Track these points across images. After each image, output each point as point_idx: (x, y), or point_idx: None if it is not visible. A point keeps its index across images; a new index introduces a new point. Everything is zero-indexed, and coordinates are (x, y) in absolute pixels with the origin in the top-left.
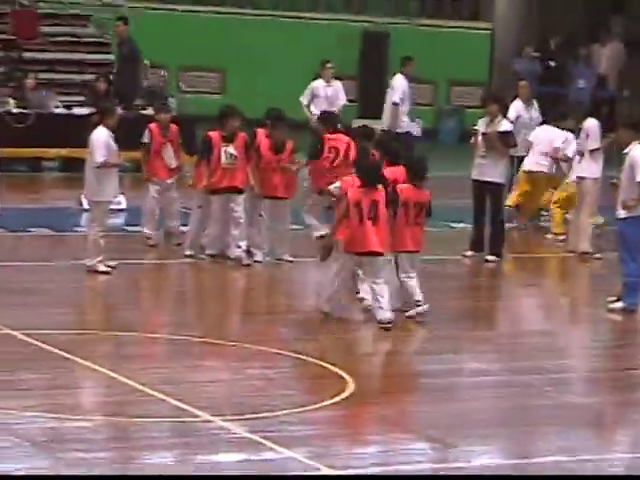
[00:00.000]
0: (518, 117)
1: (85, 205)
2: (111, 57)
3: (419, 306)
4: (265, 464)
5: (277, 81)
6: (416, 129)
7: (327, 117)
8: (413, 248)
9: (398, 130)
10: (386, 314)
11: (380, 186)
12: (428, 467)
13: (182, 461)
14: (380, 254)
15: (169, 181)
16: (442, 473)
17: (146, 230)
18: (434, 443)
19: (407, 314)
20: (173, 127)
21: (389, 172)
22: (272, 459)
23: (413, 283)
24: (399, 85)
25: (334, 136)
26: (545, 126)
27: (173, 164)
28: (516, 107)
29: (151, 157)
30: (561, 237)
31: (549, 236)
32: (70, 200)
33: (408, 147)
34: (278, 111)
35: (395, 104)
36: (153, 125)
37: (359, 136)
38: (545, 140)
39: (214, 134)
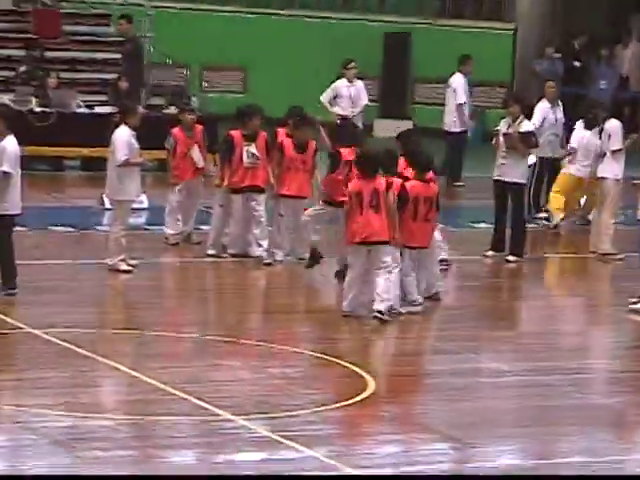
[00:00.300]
0: (544, 119)
1: (107, 204)
2: None
3: (415, 306)
4: (285, 463)
5: (299, 80)
6: (471, 127)
7: (342, 131)
8: (420, 244)
9: (460, 129)
10: (379, 305)
11: (379, 175)
12: (448, 467)
13: (202, 460)
14: (385, 242)
15: (195, 182)
16: (461, 473)
17: (168, 230)
18: (454, 443)
19: (398, 310)
20: (198, 127)
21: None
22: (292, 458)
23: (412, 280)
24: (459, 84)
25: (348, 150)
26: (581, 130)
27: (200, 164)
28: (542, 109)
29: (177, 161)
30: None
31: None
32: (92, 199)
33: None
34: (300, 110)
35: (460, 105)
36: (176, 130)
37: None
38: (585, 144)
39: (236, 133)
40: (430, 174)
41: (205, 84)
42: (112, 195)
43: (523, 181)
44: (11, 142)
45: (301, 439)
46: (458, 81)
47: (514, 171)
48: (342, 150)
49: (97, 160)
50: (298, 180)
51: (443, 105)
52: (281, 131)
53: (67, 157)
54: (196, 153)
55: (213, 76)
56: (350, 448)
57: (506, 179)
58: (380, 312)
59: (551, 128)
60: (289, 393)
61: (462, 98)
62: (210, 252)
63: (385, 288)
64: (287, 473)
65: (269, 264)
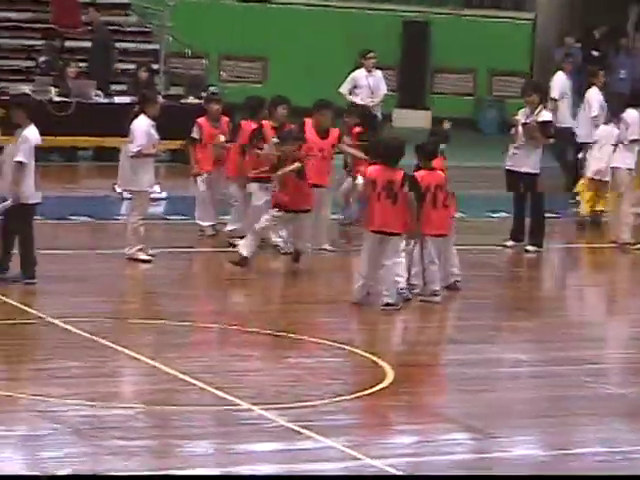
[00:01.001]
0: (600, 107)
1: (124, 194)
2: (153, 46)
3: (436, 296)
4: (303, 453)
5: (318, 70)
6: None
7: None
8: (441, 232)
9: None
10: (387, 299)
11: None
12: (465, 457)
13: (221, 450)
14: (397, 234)
15: (216, 173)
16: (480, 463)
17: (201, 222)
18: (472, 433)
19: (420, 298)
20: (224, 119)
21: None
22: (310, 448)
23: (435, 269)
24: (557, 81)
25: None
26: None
27: (224, 155)
28: (596, 97)
29: (198, 151)
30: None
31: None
32: (107, 189)
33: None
34: (325, 101)
35: (553, 99)
36: (201, 119)
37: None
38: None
39: (265, 124)
40: (437, 162)
41: (223, 74)
42: (125, 185)
43: (536, 171)
44: (32, 132)
45: (320, 429)
46: (557, 78)
47: (526, 161)
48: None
49: (109, 150)
50: (317, 168)
51: (461, 95)
52: (308, 121)
53: (79, 148)
54: (221, 143)
55: (232, 66)
56: (369, 438)
57: (518, 169)
58: (388, 304)
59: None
60: (308, 383)
61: (555, 93)
62: (233, 242)
63: (393, 280)
64: (306, 463)
65: (287, 253)
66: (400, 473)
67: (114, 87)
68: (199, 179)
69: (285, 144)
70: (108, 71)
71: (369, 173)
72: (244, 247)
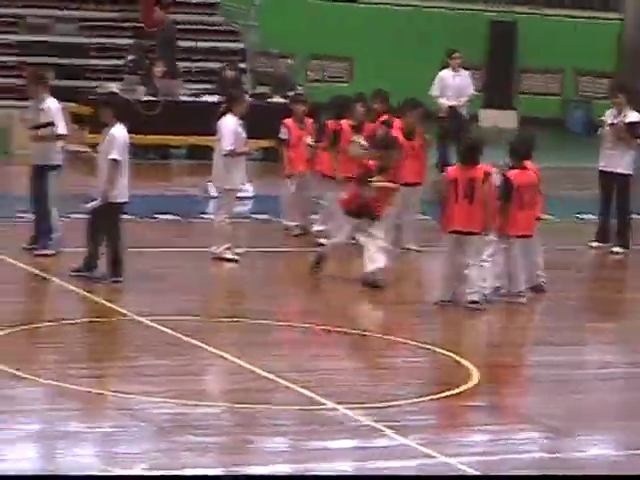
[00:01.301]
0: None
1: (212, 192)
2: (240, 45)
3: (521, 297)
4: (377, 451)
5: (404, 70)
6: None
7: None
8: (527, 232)
9: None
10: (473, 296)
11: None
12: (539, 456)
13: (296, 447)
14: (476, 234)
15: (307, 175)
16: (551, 463)
17: (287, 222)
18: (549, 433)
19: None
20: (308, 120)
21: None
22: (385, 446)
23: (520, 270)
24: None
25: None
26: None
27: (314, 155)
28: None
29: (289, 152)
30: None
31: None
32: (197, 187)
33: None
34: (413, 100)
35: None
36: (288, 120)
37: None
38: None
39: (344, 123)
40: (529, 162)
41: (310, 73)
42: (219, 183)
43: (629, 172)
44: (120, 130)
45: (399, 428)
46: None
47: (620, 162)
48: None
49: (203, 149)
50: (406, 167)
51: (548, 95)
52: (397, 121)
53: (173, 146)
54: (308, 144)
55: (318, 65)
56: (444, 436)
57: (611, 170)
58: (474, 302)
59: None
60: (394, 383)
61: None
62: (321, 241)
63: (477, 278)
64: (379, 461)
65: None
66: (472, 471)
67: (200, 86)
68: (289, 180)
69: (387, 151)
70: (172, 69)
71: (449, 173)
72: (374, 263)
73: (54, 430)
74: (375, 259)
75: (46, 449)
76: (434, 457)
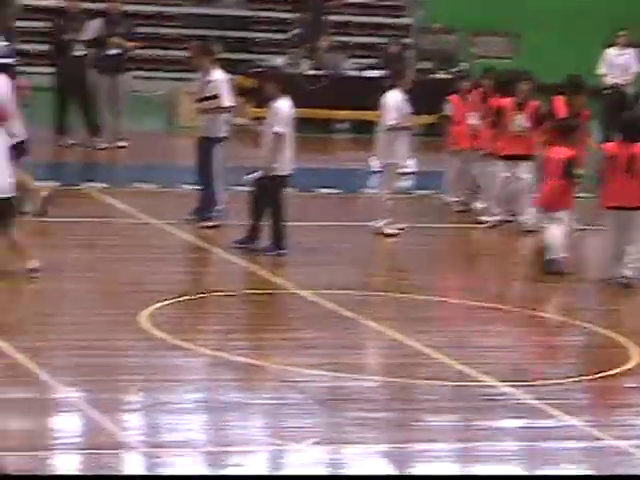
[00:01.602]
0: None
1: (374, 167)
2: (405, 20)
3: None
4: (544, 431)
5: (570, 46)
6: None
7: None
8: None
9: None
10: (627, 271)
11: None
12: None
13: (461, 425)
14: (637, 209)
15: (470, 151)
16: None
17: (448, 198)
18: None
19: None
20: (474, 96)
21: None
22: (552, 426)
23: None
24: None
25: None
26: None
27: (478, 132)
28: None
29: (453, 128)
30: None
31: None
32: (360, 162)
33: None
34: (578, 78)
35: None
36: (453, 97)
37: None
38: None
39: (507, 101)
40: None
41: (474, 49)
42: (382, 158)
43: None
44: (284, 104)
45: (562, 407)
46: None
47: None
48: None
49: (366, 124)
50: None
51: None
52: (558, 99)
53: (336, 120)
54: (473, 121)
55: (482, 41)
56: (611, 418)
57: None
58: (625, 277)
59: None
60: (552, 361)
61: None
62: (484, 219)
63: (636, 253)
64: (546, 441)
65: (534, 231)
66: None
67: (364, 61)
68: (452, 155)
69: (571, 134)
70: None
71: (608, 149)
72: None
73: (218, 401)
74: (559, 246)
75: (214, 420)
76: (601, 439)
